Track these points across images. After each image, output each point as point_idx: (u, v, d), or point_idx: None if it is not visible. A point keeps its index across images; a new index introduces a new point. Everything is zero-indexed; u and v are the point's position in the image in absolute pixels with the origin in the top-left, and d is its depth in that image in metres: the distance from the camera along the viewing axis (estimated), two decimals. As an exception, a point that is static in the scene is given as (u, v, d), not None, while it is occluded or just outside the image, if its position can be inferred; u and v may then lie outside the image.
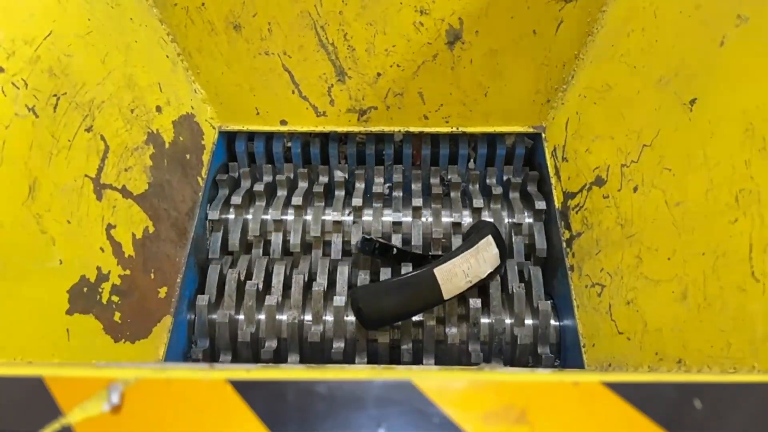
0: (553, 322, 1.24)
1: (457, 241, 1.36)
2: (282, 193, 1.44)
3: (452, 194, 1.43)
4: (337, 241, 1.39)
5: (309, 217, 1.41)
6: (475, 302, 1.23)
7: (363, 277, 1.29)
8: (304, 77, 1.36)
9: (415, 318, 1.23)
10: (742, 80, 0.82)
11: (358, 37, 1.29)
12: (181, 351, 1.24)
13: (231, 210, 1.41)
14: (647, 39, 1.07)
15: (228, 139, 1.52)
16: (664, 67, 1.00)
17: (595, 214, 1.16)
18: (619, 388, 0.49)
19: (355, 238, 1.38)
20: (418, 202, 1.39)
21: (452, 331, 1.23)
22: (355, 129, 1.45)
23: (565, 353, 1.22)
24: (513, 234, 1.37)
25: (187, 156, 1.34)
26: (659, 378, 0.51)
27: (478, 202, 1.38)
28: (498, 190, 1.41)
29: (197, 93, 1.41)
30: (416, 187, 1.48)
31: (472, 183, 1.46)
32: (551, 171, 1.37)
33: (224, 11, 1.26)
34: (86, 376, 0.49)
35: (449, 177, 1.49)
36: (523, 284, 1.26)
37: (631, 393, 0.49)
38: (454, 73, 1.34)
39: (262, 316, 1.26)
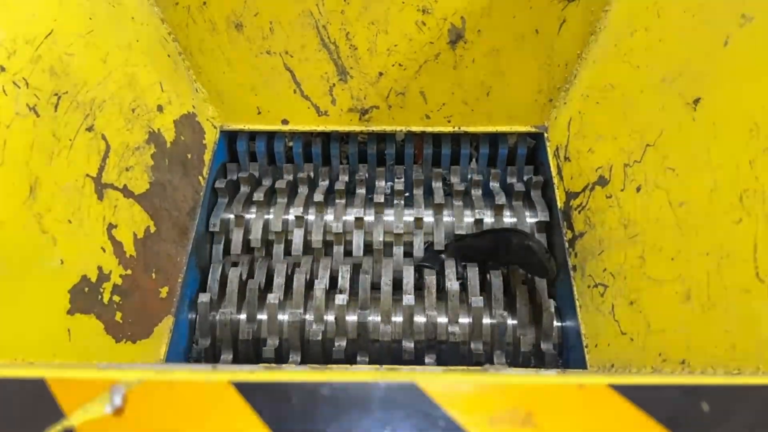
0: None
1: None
2: (282, 200, 1.43)
3: (455, 201, 1.43)
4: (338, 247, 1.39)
5: (311, 217, 1.41)
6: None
7: (364, 277, 1.29)
8: (306, 77, 1.36)
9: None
10: (746, 80, 0.82)
11: (359, 37, 1.28)
12: (183, 351, 1.24)
13: (232, 214, 1.40)
14: (651, 38, 1.06)
15: (229, 138, 1.51)
16: (668, 66, 0.99)
17: (598, 214, 1.16)
18: (624, 391, 0.49)
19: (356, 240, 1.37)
20: (420, 212, 1.40)
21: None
22: (357, 128, 1.45)
23: (568, 354, 1.22)
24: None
25: (189, 155, 1.34)
26: (665, 380, 0.50)
27: (480, 212, 1.38)
28: (501, 199, 1.40)
29: (198, 92, 1.41)
30: (418, 192, 1.47)
31: (474, 187, 1.46)
32: (554, 171, 1.37)
33: (226, 10, 1.26)
34: (88, 378, 0.49)
35: (451, 181, 1.49)
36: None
37: (636, 395, 0.49)
38: (456, 73, 1.33)
39: (263, 316, 1.26)
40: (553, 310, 1.23)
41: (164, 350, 1.16)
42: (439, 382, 0.47)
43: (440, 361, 1.23)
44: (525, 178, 1.48)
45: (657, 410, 0.48)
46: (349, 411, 0.47)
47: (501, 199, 1.40)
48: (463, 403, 0.47)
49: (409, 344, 1.22)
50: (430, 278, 1.26)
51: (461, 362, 1.23)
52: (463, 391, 0.47)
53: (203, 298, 1.24)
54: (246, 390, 0.48)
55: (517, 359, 1.23)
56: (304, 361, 1.23)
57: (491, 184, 1.47)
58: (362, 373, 0.49)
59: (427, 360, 1.22)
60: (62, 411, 0.47)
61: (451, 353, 1.23)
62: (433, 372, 0.51)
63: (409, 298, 1.23)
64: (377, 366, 1.19)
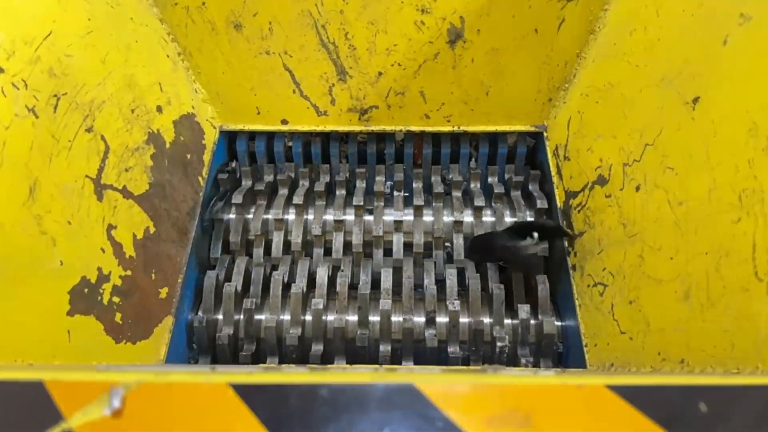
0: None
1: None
2: (283, 191, 1.44)
3: (454, 195, 1.43)
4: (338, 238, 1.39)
5: (313, 215, 1.41)
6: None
7: (365, 279, 1.29)
8: (305, 77, 1.36)
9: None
10: (745, 79, 0.82)
11: (359, 37, 1.28)
12: (183, 351, 1.24)
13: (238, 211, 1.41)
14: (650, 37, 1.06)
15: (229, 138, 1.51)
16: (667, 65, 0.99)
17: (597, 213, 1.16)
18: (623, 391, 0.49)
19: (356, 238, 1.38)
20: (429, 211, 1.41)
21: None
22: (357, 128, 1.45)
23: (567, 353, 1.22)
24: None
25: (188, 156, 1.34)
26: (663, 380, 0.50)
27: (479, 202, 1.38)
28: (500, 189, 1.41)
29: (198, 93, 1.41)
30: (418, 196, 1.47)
31: (473, 182, 1.46)
32: (553, 170, 1.37)
33: (225, 11, 1.26)
34: (87, 380, 0.49)
35: (450, 176, 1.49)
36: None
37: (635, 396, 0.49)
38: (455, 72, 1.33)
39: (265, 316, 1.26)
40: (547, 284, 1.25)
41: (164, 351, 1.16)
42: (436, 383, 0.47)
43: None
44: (529, 185, 1.45)
45: (655, 411, 0.48)
46: (347, 412, 0.47)
47: (500, 189, 1.42)
48: (461, 403, 0.47)
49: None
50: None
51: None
52: (461, 392, 0.47)
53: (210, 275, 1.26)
54: (244, 391, 0.48)
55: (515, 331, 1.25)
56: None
57: (494, 203, 1.44)
58: (360, 375, 0.49)
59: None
60: (61, 413, 0.47)
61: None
62: (430, 373, 0.51)
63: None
64: (376, 366, 1.19)
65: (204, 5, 1.25)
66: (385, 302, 1.22)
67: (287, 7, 1.24)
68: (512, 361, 1.23)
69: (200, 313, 1.25)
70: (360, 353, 1.24)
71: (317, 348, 1.23)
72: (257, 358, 1.25)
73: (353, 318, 1.25)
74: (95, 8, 1.08)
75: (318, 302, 1.23)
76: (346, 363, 1.23)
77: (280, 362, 1.25)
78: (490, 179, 1.49)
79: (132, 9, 1.20)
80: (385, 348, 1.23)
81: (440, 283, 1.30)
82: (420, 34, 1.27)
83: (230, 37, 1.30)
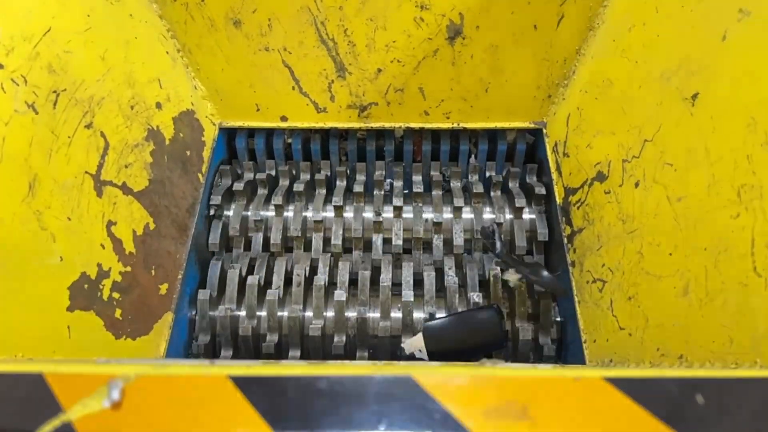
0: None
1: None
2: (284, 184, 1.44)
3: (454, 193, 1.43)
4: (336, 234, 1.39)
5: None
6: (476, 296, 1.24)
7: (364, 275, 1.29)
8: (305, 73, 1.36)
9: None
10: (744, 75, 0.82)
11: (358, 33, 1.28)
12: (183, 347, 1.24)
13: (234, 207, 1.41)
14: (649, 34, 1.06)
15: (228, 135, 1.51)
16: (666, 61, 0.99)
17: (597, 209, 1.16)
18: (620, 384, 0.49)
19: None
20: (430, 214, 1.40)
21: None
22: (356, 125, 1.45)
23: (566, 349, 1.22)
24: (514, 231, 1.37)
25: (188, 152, 1.34)
26: (661, 373, 0.50)
27: (478, 201, 1.38)
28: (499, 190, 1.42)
29: (197, 89, 1.41)
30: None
31: (472, 180, 1.47)
32: (552, 167, 1.37)
33: (224, 7, 1.25)
34: (86, 373, 0.49)
35: (449, 175, 1.50)
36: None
37: (632, 388, 0.49)
38: (454, 69, 1.33)
39: (263, 312, 1.26)
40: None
41: (164, 347, 1.16)
42: (434, 376, 0.47)
43: None
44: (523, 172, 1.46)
45: (653, 403, 0.49)
46: (345, 404, 0.47)
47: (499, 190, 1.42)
48: (459, 396, 0.47)
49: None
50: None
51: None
52: (458, 384, 0.47)
53: (202, 295, 1.24)
54: (243, 384, 0.48)
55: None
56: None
57: (492, 193, 1.44)
58: (359, 367, 0.49)
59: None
60: (60, 405, 0.48)
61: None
62: (428, 365, 0.51)
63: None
64: (374, 361, 1.20)
65: (203, 2, 1.25)
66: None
67: (286, 4, 1.24)
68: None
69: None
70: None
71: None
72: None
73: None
74: (94, 4, 1.08)
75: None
76: None
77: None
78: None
79: (131, 5, 1.20)
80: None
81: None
82: (419, 31, 1.27)
83: (229, 33, 1.30)
